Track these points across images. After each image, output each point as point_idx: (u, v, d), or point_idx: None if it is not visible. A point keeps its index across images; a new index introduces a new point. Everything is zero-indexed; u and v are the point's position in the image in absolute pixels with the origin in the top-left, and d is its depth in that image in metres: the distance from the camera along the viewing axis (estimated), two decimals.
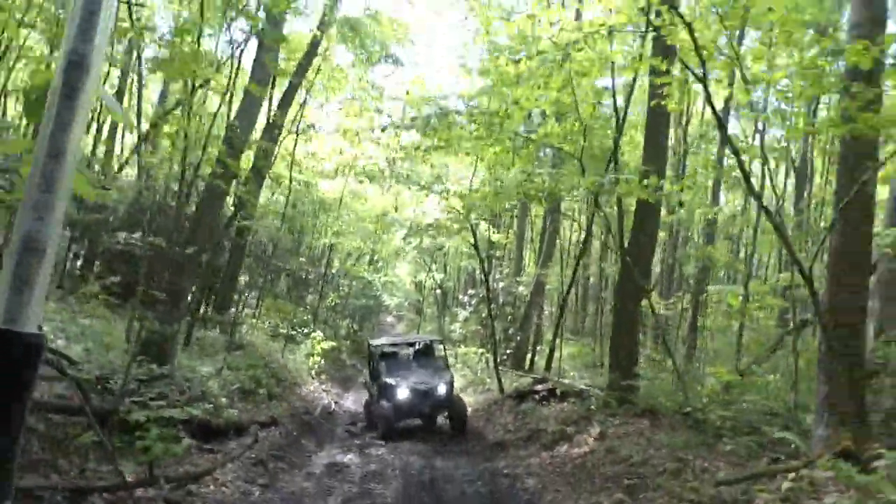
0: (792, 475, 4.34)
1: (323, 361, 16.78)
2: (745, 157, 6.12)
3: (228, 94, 12.61)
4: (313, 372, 15.82)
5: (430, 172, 12.25)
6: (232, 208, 10.14)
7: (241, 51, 13.53)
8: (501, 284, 16.40)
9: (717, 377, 6.36)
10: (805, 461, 4.30)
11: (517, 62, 6.48)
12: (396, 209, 17.11)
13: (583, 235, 11.84)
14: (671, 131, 13.43)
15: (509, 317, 16.10)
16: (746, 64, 5.36)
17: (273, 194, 19.32)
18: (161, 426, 5.34)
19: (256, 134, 13.99)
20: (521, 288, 16.05)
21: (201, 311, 11.91)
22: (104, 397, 6.09)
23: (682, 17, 4.82)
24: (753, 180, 8.59)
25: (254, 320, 17.09)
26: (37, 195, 0.93)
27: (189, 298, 9.16)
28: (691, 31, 4.53)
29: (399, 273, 26.65)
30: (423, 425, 10.18)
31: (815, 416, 5.40)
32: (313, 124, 17.78)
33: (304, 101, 16.54)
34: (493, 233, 16.10)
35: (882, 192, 9.15)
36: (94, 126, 17.99)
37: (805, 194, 14.21)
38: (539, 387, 10.03)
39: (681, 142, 14.58)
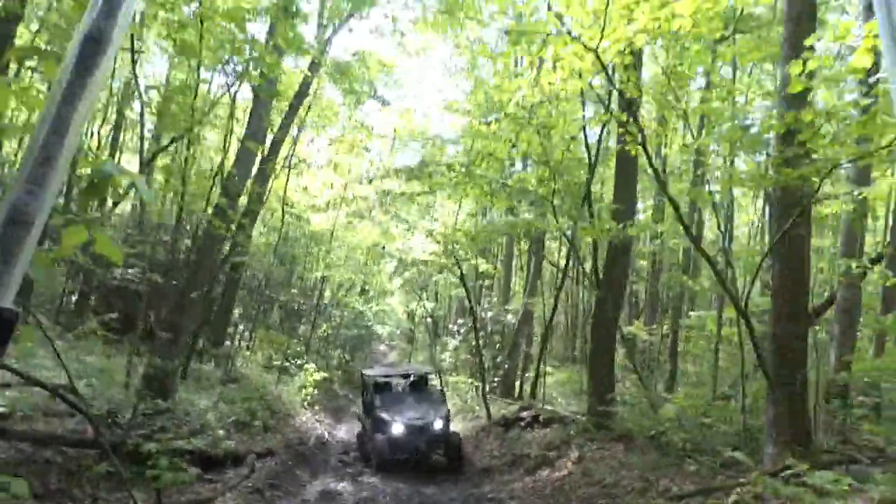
0: (738, 490, 4.93)
1: (315, 392, 17.19)
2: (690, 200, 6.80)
3: (226, 140, 13.43)
4: (306, 403, 16.22)
5: (418, 208, 12.95)
6: (227, 247, 10.76)
7: (235, 92, 14.42)
8: (490, 313, 16.99)
9: (675, 402, 6.96)
10: (751, 478, 4.89)
11: (488, 124, 7.24)
12: (384, 247, 17.72)
13: (562, 267, 12.47)
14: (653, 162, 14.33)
15: (497, 345, 16.66)
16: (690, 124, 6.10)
17: (265, 227, 19.95)
18: (169, 457, 5.86)
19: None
20: (508, 316, 16.65)
21: (197, 345, 12.39)
22: (113, 431, 6.59)
23: (623, 95, 5.56)
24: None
25: (247, 353, 17.53)
26: (32, 168, 0.87)
27: (190, 334, 9.70)
28: (633, 110, 5.27)
29: (390, 302, 27.17)
30: (417, 461, 9.59)
31: (766, 437, 6.02)
32: (304, 159, 18.57)
33: (296, 138, 17.34)
34: (481, 263, 16.76)
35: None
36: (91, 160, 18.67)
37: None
38: (524, 414, 10.57)
39: (659, 173, 15.39)
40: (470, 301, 13.72)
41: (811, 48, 4.31)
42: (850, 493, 4.04)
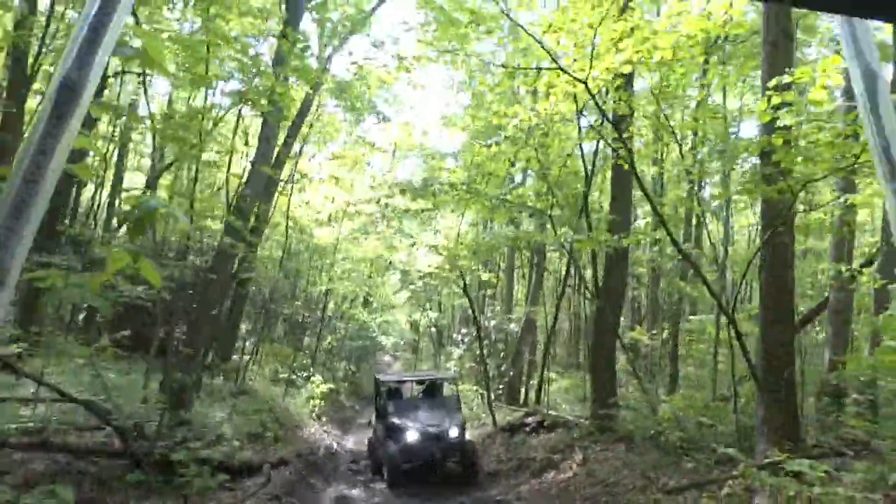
0: (729, 483, 5.34)
1: (322, 403, 17.57)
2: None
3: (230, 159, 13.93)
4: (314, 414, 16.61)
5: (420, 221, 13.41)
6: (236, 264, 11.22)
7: (240, 109, 14.95)
8: (493, 322, 17.41)
9: (672, 403, 7.37)
10: (741, 471, 5.30)
11: (489, 146, 7.72)
12: (390, 262, 18.15)
13: (563, 276, 12.92)
14: (651, 169, 14.81)
15: (501, 353, 17.05)
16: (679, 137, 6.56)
17: (268, 241, 20.42)
18: (198, 466, 6.29)
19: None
20: (511, 325, 17.05)
21: (207, 359, 12.83)
22: (139, 442, 7.00)
23: (611, 122, 6.03)
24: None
25: (254, 366, 17.92)
26: (4, 221, 0.86)
27: (203, 349, 10.13)
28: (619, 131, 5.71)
29: (394, 313, 27.58)
30: (431, 470, 9.29)
31: (757, 434, 6.44)
32: (307, 175, 19.07)
33: (299, 153, 17.85)
34: (483, 273, 17.19)
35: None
36: (96, 180, 19.27)
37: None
38: (529, 419, 10.97)
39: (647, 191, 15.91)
40: (473, 311, 14.14)
41: (786, 80, 4.73)
42: (829, 480, 4.46)
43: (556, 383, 18.31)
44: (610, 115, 7.43)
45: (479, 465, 9.47)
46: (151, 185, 17.40)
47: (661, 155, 13.97)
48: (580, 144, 9.39)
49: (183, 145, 9.15)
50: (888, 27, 6.63)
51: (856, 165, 4.70)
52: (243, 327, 18.85)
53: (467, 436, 10.57)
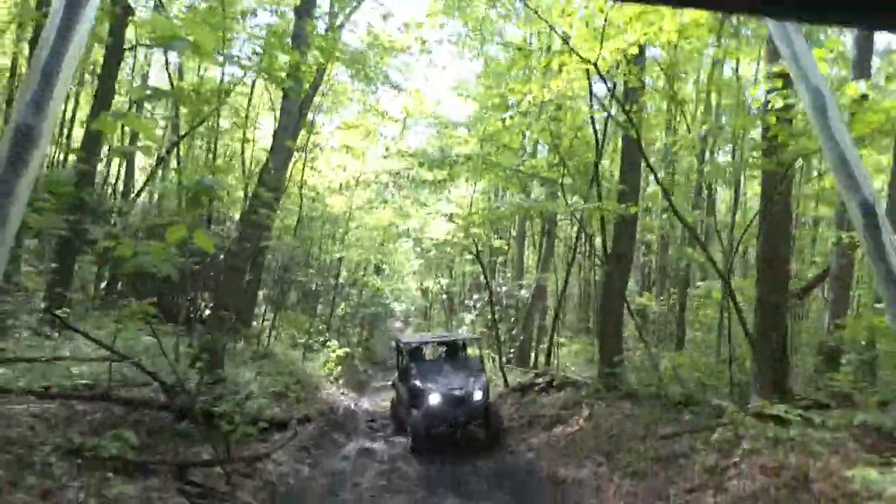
0: (720, 429, 6.03)
1: (339, 368, 18.48)
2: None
3: (244, 128, 14.45)
4: (331, 378, 17.52)
5: (433, 189, 13.94)
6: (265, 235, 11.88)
7: (254, 80, 15.38)
8: (504, 288, 18.08)
9: (671, 360, 8.02)
10: (730, 418, 5.96)
11: (503, 120, 8.21)
12: (407, 229, 18.69)
13: (573, 244, 13.49)
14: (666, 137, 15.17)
15: (513, 318, 17.77)
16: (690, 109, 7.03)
17: (282, 210, 21.06)
18: (239, 417, 7.07)
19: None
20: (522, 291, 17.72)
21: (234, 324, 13.62)
22: (181, 398, 7.78)
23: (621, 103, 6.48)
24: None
25: (272, 332, 18.80)
26: None
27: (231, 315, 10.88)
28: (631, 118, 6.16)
29: (406, 280, 28.35)
30: (454, 435, 9.24)
31: (751, 388, 7.10)
32: (319, 144, 19.55)
33: (312, 123, 18.30)
34: (495, 240, 17.78)
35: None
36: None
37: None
38: (539, 380, 11.71)
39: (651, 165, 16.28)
40: (486, 277, 14.77)
41: (775, 70, 5.18)
42: (805, 424, 5.11)
43: (566, 347, 19.05)
44: (621, 87, 7.86)
45: (503, 427, 9.44)
46: (165, 157, 18.02)
47: (674, 123, 14.33)
48: (591, 116, 9.82)
49: (200, 113, 9.70)
50: None
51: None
52: (261, 294, 19.66)
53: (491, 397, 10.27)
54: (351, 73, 15.43)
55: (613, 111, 7.35)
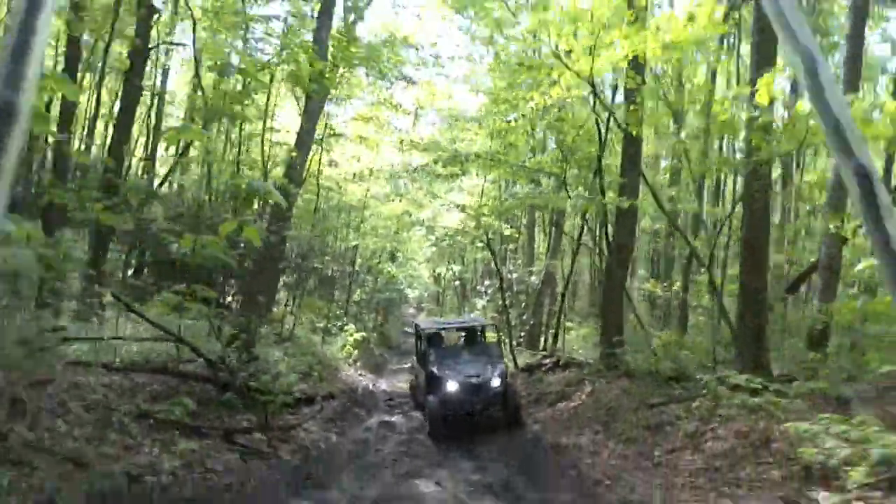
0: (700, 399, 6.94)
1: (356, 351, 19.58)
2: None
3: (265, 121, 15.37)
4: (349, 360, 18.63)
5: (445, 180, 14.82)
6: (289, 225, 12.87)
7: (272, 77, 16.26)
8: (514, 275, 19.00)
9: (661, 339, 8.89)
10: (707, 388, 6.86)
11: (509, 122, 9.04)
12: (421, 218, 19.57)
13: (578, 234, 14.34)
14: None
15: (523, 304, 18.71)
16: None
17: (301, 200, 22.07)
18: (265, 392, 8.10)
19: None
20: (532, 277, 18.62)
21: (264, 309, 14.66)
22: (223, 373, 8.83)
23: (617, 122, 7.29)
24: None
25: (292, 317, 19.91)
26: None
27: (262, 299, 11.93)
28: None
29: (419, 267, 29.36)
30: (472, 421, 9.27)
31: (733, 365, 7.98)
32: (334, 133, 20.47)
33: (328, 113, 19.21)
34: (505, 228, 18.66)
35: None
36: (139, 140, 21.04)
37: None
38: (546, 360, 12.66)
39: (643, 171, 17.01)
40: (496, 264, 15.68)
41: (733, 93, 5.97)
42: (769, 392, 6.01)
43: (574, 332, 19.97)
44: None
45: (521, 414, 9.46)
46: (183, 151, 19.10)
47: (669, 123, 15.06)
48: (596, 116, 10.61)
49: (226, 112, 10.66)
50: None
51: (803, 145, 5.98)
52: (281, 280, 20.75)
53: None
54: (367, 70, 16.27)
55: (612, 112, 8.13)
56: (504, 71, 12.49)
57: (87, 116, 19.85)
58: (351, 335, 19.38)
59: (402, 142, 15.24)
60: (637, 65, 8.72)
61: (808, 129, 5.36)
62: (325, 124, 18.83)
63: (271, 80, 18.04)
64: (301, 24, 15.90)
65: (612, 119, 9.76)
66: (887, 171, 11.68)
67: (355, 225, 22.22)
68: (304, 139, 11.02)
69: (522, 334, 17.32)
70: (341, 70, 17.61)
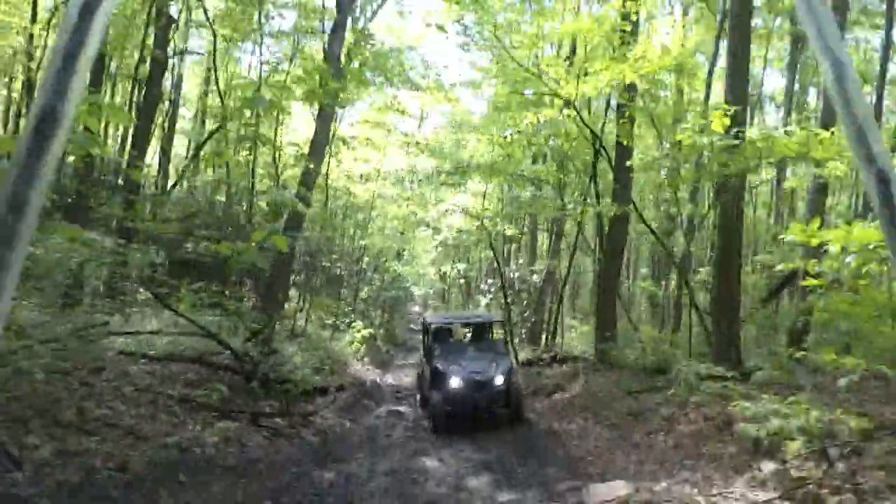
0: (674, 388, 7.94)
1: (364, 347, 20.65)
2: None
3: (277, 129, 16.39)
4: (357, 355, 19.70)
5: (450, 185, 15.84)
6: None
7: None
8: (517, 274, 19.99)
9: (645, 333, 9.88)
10: (678, 378, 7.86)
11: (506, 138, 10.05)
12: (427, 220, 20.55)
13: (575, 237, 15.34)
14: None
15: (525, 301, 19.71)
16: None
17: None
18: (294, 380, 9.16)
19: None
20: (534, 276, 19.61)
21: (280, 307, 15.72)
22: (248, 365, 9.89)
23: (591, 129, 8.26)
24: None
25: (303, 314, 21.00)
26: None
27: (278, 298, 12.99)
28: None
29: (425, 265, 30.41)
30: (475, 418, 9.33)
31: (710, 359, 8.97)
32: (343, 137, 21.50)
33: (337, 117, 20.24)
34: (508, 228, 19.65)
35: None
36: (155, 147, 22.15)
37: None
38: (544, 355, 13.67)
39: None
40: (499, 264, 16.68)
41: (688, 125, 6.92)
42: (731, 381, 7.00)
43: (575, 330, 20.98)
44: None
45: (524, 412, 9.57)
46: (195, 152, 20.22)
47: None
48: (585, 124, 11.59)
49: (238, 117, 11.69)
50: None
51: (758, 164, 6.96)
52: (292, 278, 21.84)
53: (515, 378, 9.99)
54: (375, 77, 17.27)
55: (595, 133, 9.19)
56: (508, 77, 13.44)
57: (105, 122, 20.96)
58: (358, 332, 20.45)
59: (408, 144, 16.23)
60: (630, 84, 9.72)
61: (760, 152, 6.31)
62: (334, 129, 19.86)
63: (285, 80, 19.13)
64: (311, 26, 16.85)
65: (603, 129, 10.73)
66: None
67: (362, 225, 23.26)
68: (318, 146, 12.04)
69: (524, 331, 18.33)
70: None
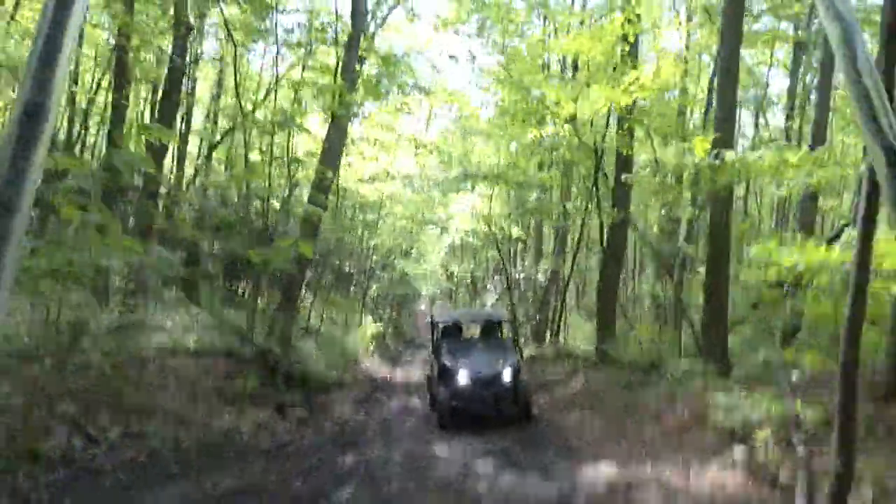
0: (664, 382, 8.83)
1: (373, 344, 21.68)
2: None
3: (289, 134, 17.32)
4: (367, 352, 20.71)
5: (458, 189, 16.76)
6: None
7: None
8: (522, 274, 20.88)
9: (639, 332, 10.74)
10: (669, 373, 8.74)
11: (511, 153, 10.93)
12: (437, 221, 21.40)
13: (577, 239, 16.22)
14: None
15: (530, 300, 20.59)
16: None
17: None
18: (313, 374, 10.11)
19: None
20: (539, 276, 20.48)
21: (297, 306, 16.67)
22: (270, 359, 10.84)
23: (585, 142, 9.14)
24: None
25: (315, 312, 21.99)
26: None
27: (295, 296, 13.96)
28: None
29: (433, 264, 31.37)
30: (483, 416, 9.52)
31: (700, 356, 9.83)
32: (352, 138, 22.42)
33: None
34: (515, 229, 20.53)
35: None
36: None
37: None
38: (548, 353, 14.56)
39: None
40: (504, 264, 17.54)
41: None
42: (716, 377, 7.88)
43: (581, 328, 21.85)
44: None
45: (532, 410, 9.76)
46: (208, 154, 21.25)
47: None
48: (593, 139, 12.44)
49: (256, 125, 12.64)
50: None
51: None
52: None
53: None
54: (384, 81, 18.14)
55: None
56: (512, 87, 14.30)
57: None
58: (368, 329, 21.46)
59: (416, 146, 17.15)
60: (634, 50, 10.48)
61: (738, 171, 7.16)
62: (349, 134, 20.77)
63: (299, 84, 20.03)
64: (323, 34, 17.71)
65: (605, 138, 11.59)
66: None
67: (372, 225, 24.18)
68: (332, 153, 12.95)
69: (529, 329, 19.23)
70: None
